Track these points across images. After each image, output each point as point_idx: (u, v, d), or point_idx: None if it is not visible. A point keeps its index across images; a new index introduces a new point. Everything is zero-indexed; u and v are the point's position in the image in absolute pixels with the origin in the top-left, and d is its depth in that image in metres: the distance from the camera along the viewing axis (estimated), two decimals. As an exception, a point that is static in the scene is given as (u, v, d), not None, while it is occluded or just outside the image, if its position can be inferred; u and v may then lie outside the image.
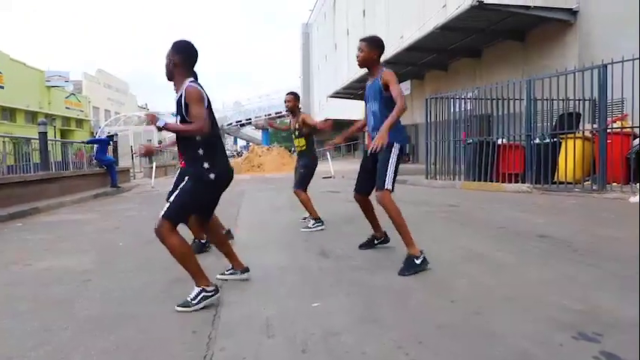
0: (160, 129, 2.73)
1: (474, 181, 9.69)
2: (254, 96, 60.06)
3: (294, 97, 5.50)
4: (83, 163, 13.21)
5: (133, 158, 20.75)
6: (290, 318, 2.51)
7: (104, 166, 12.65)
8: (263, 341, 2.23)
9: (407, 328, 2.31)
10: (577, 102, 8.66)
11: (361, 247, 4.10)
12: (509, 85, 9.33)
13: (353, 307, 2.65)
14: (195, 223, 3.37)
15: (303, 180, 5.42)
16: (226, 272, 3.29)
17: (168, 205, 2.75)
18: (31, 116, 32.84)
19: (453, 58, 18.53)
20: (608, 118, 7.78)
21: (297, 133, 5.47)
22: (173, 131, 2.86)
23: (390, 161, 3.53)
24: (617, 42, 10.11)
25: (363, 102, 3.83)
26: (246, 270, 3.27)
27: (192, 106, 2.70)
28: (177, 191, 2.80)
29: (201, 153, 2.78)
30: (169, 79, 2.91)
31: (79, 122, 41.08)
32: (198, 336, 2.32)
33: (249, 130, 63.48)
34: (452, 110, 10.73)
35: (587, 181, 7.99)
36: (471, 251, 3.95)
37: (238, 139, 64.91)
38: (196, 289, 2.70)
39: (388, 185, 3.50)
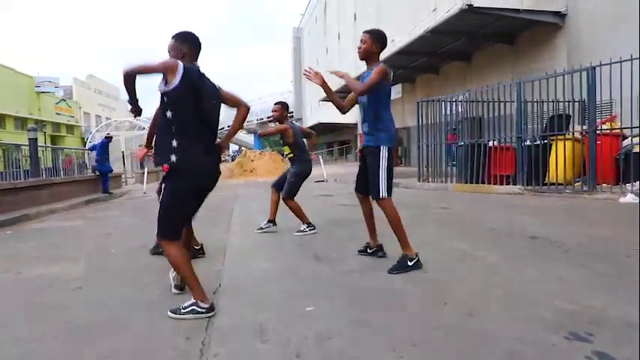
0: (127, 78, 2.55)
1: (466, 183, 9.74)
2: (245, 100, 59.78)
3: (281, 106, 5.41)
4: (74, 170, 13.09)
5: (124, 164, 20.61)
6: (284, 322, 2.50)
7: (99, 173, 12.53)
8: (257, 346, 2.22)
9: (401, 331, 2.31)
10: (567, 104, 8.75)
11: (360, 252, 4.01)
12: (500, 87, 9.41)
13: (347, 311, 2.64)
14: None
15: (291, 188, 5.33)
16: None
17: (157, 223, 2.68)
18: (21, 122, 32.58)
19: (444, 62, 18.64)
20: (597, 120, 7.87)
21: (281, 141, 5.49)
22: (138, 71, 2.59)
23: (381, 168, 3.49)
24: (605, 44, 10.25)
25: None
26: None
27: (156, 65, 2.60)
28: (159, 205, 2.70)
29: (175, 145, 2.61)
30: None
31: (70, 128, 40.83)
32: (192, 342, 2.30)
33: (240, 135, 63.35)
34: (443, 113, 10.81)
35: (578, 182, 8.07)
36: (463, 253, 3.96)
37: (230, 144, 64.72)
38: (191, 301, 2.65)
39: (383, 194, 3.47)
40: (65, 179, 11.51)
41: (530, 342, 2.11)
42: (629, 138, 7.57)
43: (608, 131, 7.85)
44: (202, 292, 2.66)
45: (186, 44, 2.79)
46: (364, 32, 3.61)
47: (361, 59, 3.64)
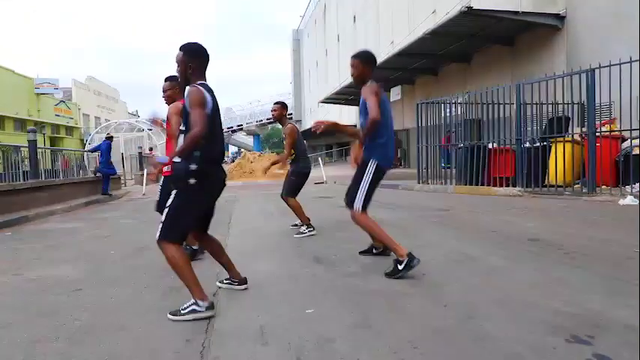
0: (165, 164, 2.70)
1: (466, 185, 9.75)
2: (245, 102, 60.15)
3: (280, 106, 5.49)
4: (73, 171, 13.05)
5: (123, 165, 20.59)
6: (284, 325, 2.49)
7: (101, 174, 12.45)
8: (257, 349, 2.21)
9: (401, 334, 2.31)
10: (566, 106, 8.77)
11: (361, 253, 4.05)
12: (499, 89, 9.41)
13: (347, 313, 2.64)
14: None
15: (292, 187, 5.46)
16: (224, 281, 3.25)
17: (161, 225, 2.68)
18: (20, 124, 32.55)
19: (444, 64, 18.65)
20: (596, 122, 7.88)
21: (284, 142, 5.52)
22: (179, 155, 2.65)
23: (364, 178, 3.45)
24: (604, 46, 10.26)
25: (359, 110, 3.80)
26: (244, 282, 3.19)
27: (192, 111, 2.60)
28: (166, 209, 2.71)
29: (196, 154, 2.64)
30: (185, 85, 2.77)
31: (69, 129, 40.78)
32: (192, 345, 2.30)
33: (240, 136, 63.41)
34: (442, 115, 10.81)
35: (577, 184, 8.08)
36: (463, 255, 3.96)
37: (230, 146, 64.72)
38: (190, 301, 2.66)
39: (357, 204, 3.43)
40: (65, 180, 11.49)
41: (531, 344, 2.11)
42: (629, 140, 7.58)
43: (608, 133, 7.86)
44: (201, 291, 2.68)
45: (197, 61, 2.78)
46: (352, 57, 3.61)
47: (356, 84, 3.64)
